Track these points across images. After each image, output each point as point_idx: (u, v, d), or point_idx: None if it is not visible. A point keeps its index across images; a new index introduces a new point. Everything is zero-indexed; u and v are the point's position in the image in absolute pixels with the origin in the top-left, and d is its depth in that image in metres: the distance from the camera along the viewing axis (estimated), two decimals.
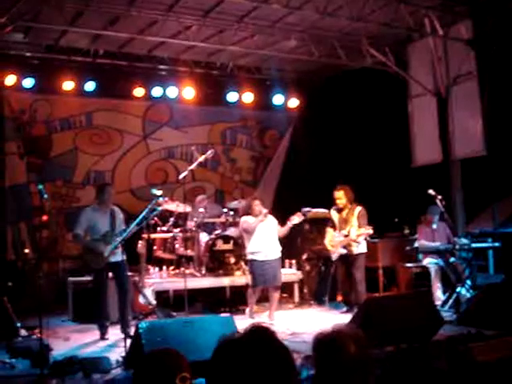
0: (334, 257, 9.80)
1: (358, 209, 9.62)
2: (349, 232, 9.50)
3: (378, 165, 12.14)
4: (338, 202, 9.69)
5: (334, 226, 9.79)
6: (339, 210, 9.75)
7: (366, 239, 9.68)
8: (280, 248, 9.22)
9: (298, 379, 1.90)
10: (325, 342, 2.54)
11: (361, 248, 9.65)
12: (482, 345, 5.10)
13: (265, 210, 9.14)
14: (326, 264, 10.39)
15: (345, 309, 9.92)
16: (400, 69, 11.82)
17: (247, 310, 9.40)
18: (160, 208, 8.74)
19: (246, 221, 9.20)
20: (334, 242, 9.72)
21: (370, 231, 9.40)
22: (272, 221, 9.27)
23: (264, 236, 9.08)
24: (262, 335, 1.89)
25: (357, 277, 9.63)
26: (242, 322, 7.76)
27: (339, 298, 10.44)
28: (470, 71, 10.76)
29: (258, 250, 9.07)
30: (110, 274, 8.30)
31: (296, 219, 9.06)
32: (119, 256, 8.13)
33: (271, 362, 1.81)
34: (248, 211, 9.25)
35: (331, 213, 9.88)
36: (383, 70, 11.85)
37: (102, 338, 8.11)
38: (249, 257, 9.24)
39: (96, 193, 8.86)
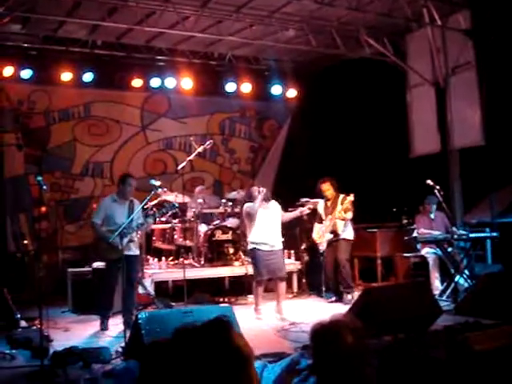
0: (322, 248, 9.90)
1: (341, 196, 9.77)
2: (333, 215, 9.68)
3: (376, 155, 12.15)
4: (327, 193, 9.93)
5: (320, 220, 9.92)
6: (326, 201, 9.97)
7: (352, 220, 9.84)
8: (281, 238, 8.93)
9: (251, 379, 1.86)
10: (322, 333, 2.56)
11: (346, 234, 9.80)
12: (479, 334, 5.13)
13: (263, 189, 8.72)
14: (322, 254, 10.39)
15: (334, 298, 9.95)
16: (398, 59, 11.82)
17: (253, 306, 8.95)
18: (177, 204, 8.64)
19: (249, 205, 8.75)
20: (320, 232, 9.84)
21: (351, 197, 9.49)
22: (275, 207, 8.94)
23: (268, 224, 8.69)
24: (219, 329, 1.86)
25: (340, 259, 9.76)
26: (240, 312, 7.81)
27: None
28: (469, 61, 10.77)
29: (261, 239, 8.64)
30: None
31: (307, 211, 9.22)
32: (133, 250, 8.10)
33: (222, 357, 1.78)
34: (249, 199, 8.85)
35: (319, 204, 10.01)
36: (382, 60, 11.84)
37: (103, 329, 8.07)
38: (251, 246, 8.76)
39: (117, 184, 8.61)
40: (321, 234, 9.89)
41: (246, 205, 8.87)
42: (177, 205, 8.59)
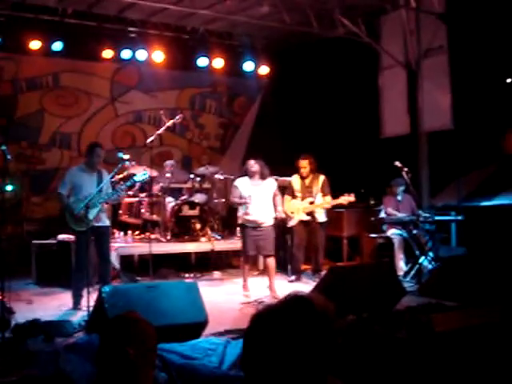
0: (292, 223, 9.87)
1: (322, 177, 9.79)
2: (318, 199, 9.68)
3: (346, 135, 12.17)
4: (302, 170, 9.81)
5: (292, 194, 9.87)
6: (302, 178, 9.85)
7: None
8: (273, 215, 8.69)
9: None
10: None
11: (322, 217, 9.82)
12: (441, 315, 5.20)
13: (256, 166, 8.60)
14: (289, 230, 10.37)
15: (293, 277, 9.96)
16: (372, 40, 11.80)
17: (241, 283, 8.81)
18: (147, 176, 8.35)
19: (237, 180, 8.69)
20: (294, 207, 9.79)
21: (352, 198, 9.52)
22: (269, 184, 8.68)
23: (257, 202, 8.46)
24: (302, 304, 1.81)
25: (319, 246, 9.82)
26: (205, 288, 7.81)
27: (304, 267, 10.41)
28: (441, 45, 10.80)
29: (250, 216, 8.47)
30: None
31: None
32: (104, 220, 7.93)
33: (311, 332, 1.75)
34: (244, 174, 8.70)
35: (292, 179, 9.95)
36: (355, 40, 11.80)
37: (75, 308, 7.62)
38: (240, 221, 8.72)
39: (85, 153, 8.26)
40: (294, 210, 9.83)
41: (235, 183, 8.73)
42: (147, 175, 8.37)
